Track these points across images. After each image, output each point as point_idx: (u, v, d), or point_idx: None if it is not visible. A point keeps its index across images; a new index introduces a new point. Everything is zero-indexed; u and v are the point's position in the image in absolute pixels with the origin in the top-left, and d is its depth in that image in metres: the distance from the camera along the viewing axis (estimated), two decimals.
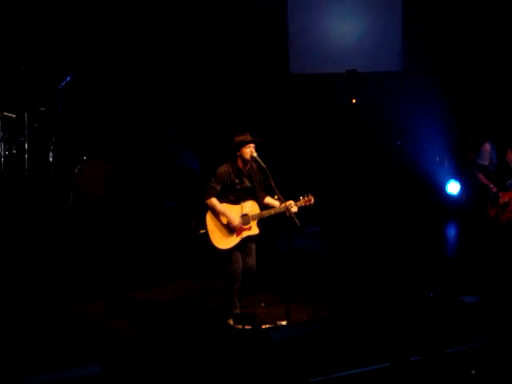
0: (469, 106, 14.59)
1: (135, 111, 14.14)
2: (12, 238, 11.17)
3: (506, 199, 9.44)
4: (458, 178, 14.29)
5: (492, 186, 9.46)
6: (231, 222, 8.04)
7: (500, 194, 9.45)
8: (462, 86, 14.74)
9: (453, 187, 14.36)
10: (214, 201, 8.04)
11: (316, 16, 15.71)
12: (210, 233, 8.07)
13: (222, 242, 8.08)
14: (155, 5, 14.40)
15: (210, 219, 8.09)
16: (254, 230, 8.17)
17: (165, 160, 14.40)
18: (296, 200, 8.14)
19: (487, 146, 9.55)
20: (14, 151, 12.58)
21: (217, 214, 8.07)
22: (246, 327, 8.09)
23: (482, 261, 9.87)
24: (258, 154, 8.06)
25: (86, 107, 13.62)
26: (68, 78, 12.96)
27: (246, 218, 8.10)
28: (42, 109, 12.86)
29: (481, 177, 9.54)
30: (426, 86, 14.75)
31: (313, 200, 8.20)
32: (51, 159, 12.75)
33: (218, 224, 8.08)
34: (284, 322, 8.00)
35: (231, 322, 8.17)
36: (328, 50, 15.63)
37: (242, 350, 6.90)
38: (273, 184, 8.03)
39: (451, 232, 13.64)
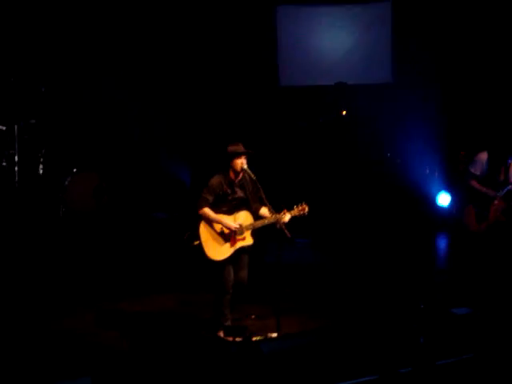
0: (459, 117, 14.63)
1: (126, 123, 14.14)
2: (3, 251, 11.15)
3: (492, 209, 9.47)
4: (449, 189, 14.32)
5: (490, 190, 9.48)
6: (228, 226, 8.04)
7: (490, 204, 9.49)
8: (453, 97, 14.79)
9: (443, 199, 14.39)
10: (207, 210, 8.04)
11: (306, 28, 15.74)
12: (203, 244, 8.04)
13: (216, 252, 8.06)
14: (148, 14, 14.40)
15: (203, 230, 8.07)
16: (248, 240, 8.16)
17: (155, 171, 14.39)
18: (289, 209, 8.14)
19: (482, 156, 9.59)
20: (4, 164, 12.54)
21: (211, 223, 8.06)
22: (237, 339, 8.09)
23: (472, 272, 9.88)
24: (248, 166, 8.08)
25: (77, 119, 13.61)
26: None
27: (239, 228, 8.10)
28: (32, 121, 12.84)
29: (475, 184, 9.56)
30: (416, 97, 14.79)
31: (307, 209, 8.19)
32: (41, 171, 12.73)
33: (212, 235, 8.07)
34: (275, 334, 7.99)
35: (222, 334, 8.17)
36: (318, 62, 15.66)
37: (233, 362, 6.89)
38: (263, 196, 8.05)
39: (442, 244, 13.65)
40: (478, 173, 9.57)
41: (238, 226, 8.07)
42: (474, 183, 9.57)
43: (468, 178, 9.68)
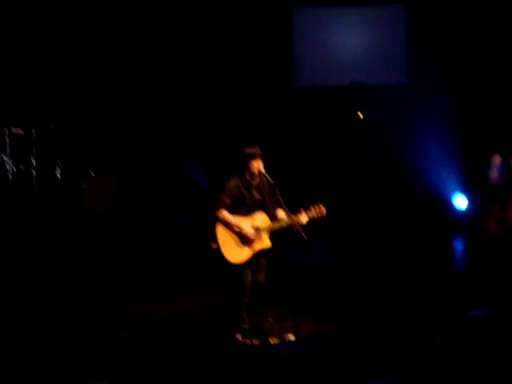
0: (475, 118, 14.61)
1: (143, 126, 14.19)
2: (21, 254, 11.21)
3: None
4: (465, 191, 14.29)
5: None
6: (245, 233, 8.07)
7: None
8: (469, 97, 14.77)
9: (460, 201, 14.35)
10: (224, 213, 8.04)
11: (321, 30, 15.79)
12: (221, 247, 8.02)
13: (235, 255, 8.05)
14: (164, 19, 14.45)
15: (220, 233, 8.06)
16: (266, 243, 8.15)
17: (172, 174, 14.42)
18: (306, 209, 8.14)
19: (496, 160, 9.60)
20: (22, 167, 12.62)
21: (229, 226, 8.07)
22: (255, 342, 8.11)
23: (489, 274, 9.88)
24: (265, 168, 8.09)
25: (94, 123, 13.67)
26: None
27: (257, 231, 8.12)
28: (50, 125, 12.91)
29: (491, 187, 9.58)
30: (430, 98, 14.78)
31: (324, 212, 8.18)
32: (59, 175, 12.80)
33: (230, 237, 8.06)
34: (292, 337, 8.01)
35: (239, 336, 8.18)
36: (332, 63, 15.71)
37: (251, 364, 6.91)
38: (280, 198, 8.05)
39: (459, 246, 13.62)
40: (496, 176, 9.58)
41: (254, 233, 8.09)
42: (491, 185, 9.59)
43: (488, 182, 9.70)
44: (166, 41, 14.53)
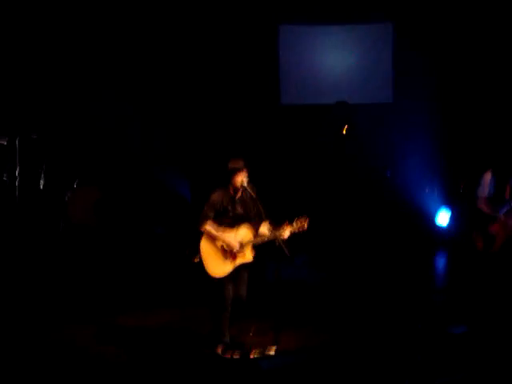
0: (460, 138, 14.69)
1: (127, 138, 14.17)
2: (4, 265, 11.17)
3: (494, 231, 9.51)
4: (448, 208, 14.35)
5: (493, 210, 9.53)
6: (229, 246, 8.07)
7: (489, 226, 9.53)
8: (453, 117, 14.84)
9: (443, 217, 14.41)
10: (208, 226, 8.04)
11: (307, 48, 15.81)
12: (204, 261, 8.03)
13: (217, 269, 8.05)
14: (150, 29, 14.45)
15: (203, 247, 8.06)
16: (248, 257, 8.12)
17: (156, 186, 14.41)
18: (290, 222, 8.13)
19: (487, 177, 9.62)
20: (5, 178, 12.58)
21: (213, 239, 8.08)
22: (235, 356, 8.09)
23: (470, 291, 9.91)
24: (249, 183, 8.09)
25: (78, 134, 13.65)
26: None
27: (240, 248, 8.11)
28: (34, 136, 12.88)
29: (484, 207, 9.60)
30: (416, 117, 14.84)
31: (306, 226, 8.17)
32: (42, 186, 12.77)
33: (212, 251, 8.06)
34: (273, 351, 7.99)
35: (220, 350, 8.17)
36: (319, 81, 15.73)
37: (232, 378, 6.90)
38: (263, 213, 8.05)
39: (440, 262, 13.66)
40: (485, 195, 9.60)
41: (238, 246, 8.09)
42: (483, 205, 9.60)
43: (477, 201, 9.71)
44: (153, 54, 14.51)
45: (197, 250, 8.06)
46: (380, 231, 14.03)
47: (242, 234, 8.13)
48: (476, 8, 14.46)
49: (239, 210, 8.19)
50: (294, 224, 8.11)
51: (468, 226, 9.93)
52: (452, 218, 14.14)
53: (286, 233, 8.05)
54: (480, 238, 9.62)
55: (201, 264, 8.03)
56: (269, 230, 8.04)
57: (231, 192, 8.17)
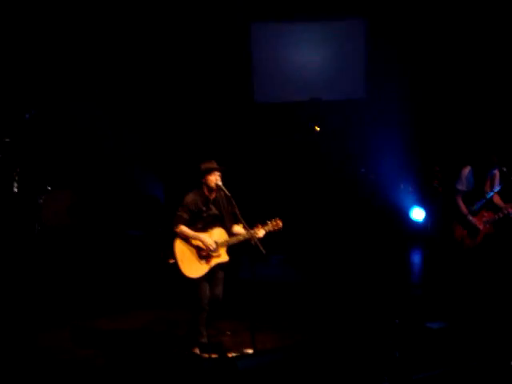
0: (433, 132, 14.73)
1: (100, 140, 14.11)
2: None
3: (480, 225, 9.55)
4: (423, 204, 14.39)
5: (468, 214, 9.57)
6: (207, 245, 8.04)
7: (473, 220, 9.56)
8: (426, 112, 14.88)
9: (417, 213, 14.45)
10: (183, 228, 8.03)
11: (280, 45, 15.79)
12: (179, 262, 8.02)
13: (192, 270, 8.04)
14: (120, 31, 14.38)
15: (178, 248, 8.05)
16: (224, 257, 8.16)
17: (129, 188, 14.35)
18: (263, 224, 8.16)
19: (465, 171, 9.65)
20: None
21: (188, 240, 8.05)
22: (213, 356, 8.08)
23: (447, 286, 9.93)
24: (223, 183, 8.09)
25: (51, 138, 13.57)
26: (33, 112, 12.93)
27: (216, 248, 8.09)
28: (7, 139, 12.79)
29: (460, 203, 9.63)
30: (389, 112, 14.87)
31: (280, 224, 8.23)
32: (16, 190, 12.67)
33: (188, 252, 8.06)
34: (250, 350, 7.99)
35: (197, 350, 8.15)
36: (293, 78, 15.71)
37: (209, 378, 6.88)
38: (238, 212, 8.05)
39: (416, 258, 13.70)
40: (464, 188, 9.63)
41: (214, 245, 8.07)
42: (459, 201, 9.64)
43: (454, 194, 9.74)
44: (124, 55, 14.45)
45: (172, 252, 8.03)
46: (355, 228, 14.05)
47: (216, 234, 8.14)
48: (449, 4, 14.51)
49: (214, 210, 8.20)
50: (269, 224, 8.14)
51: (445, 219, 9.94)
52: (427, 213, 14.17)
53: (262, 232, 8.08)
54: (461, 227, 9.65)
55: (176, 265, 8.01)
56: (244, 229, 8.05)
57: (206, 193, 8.17)
